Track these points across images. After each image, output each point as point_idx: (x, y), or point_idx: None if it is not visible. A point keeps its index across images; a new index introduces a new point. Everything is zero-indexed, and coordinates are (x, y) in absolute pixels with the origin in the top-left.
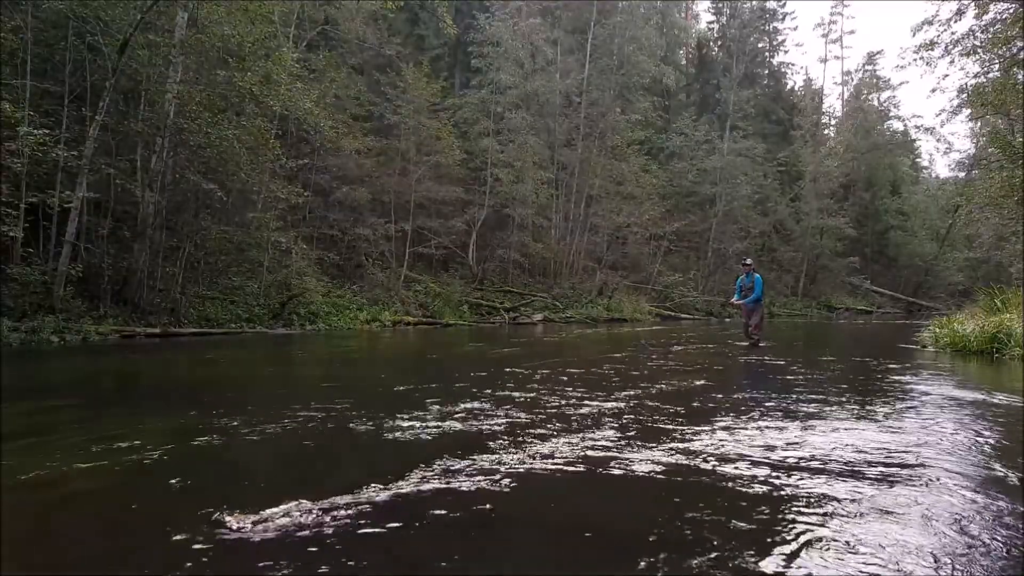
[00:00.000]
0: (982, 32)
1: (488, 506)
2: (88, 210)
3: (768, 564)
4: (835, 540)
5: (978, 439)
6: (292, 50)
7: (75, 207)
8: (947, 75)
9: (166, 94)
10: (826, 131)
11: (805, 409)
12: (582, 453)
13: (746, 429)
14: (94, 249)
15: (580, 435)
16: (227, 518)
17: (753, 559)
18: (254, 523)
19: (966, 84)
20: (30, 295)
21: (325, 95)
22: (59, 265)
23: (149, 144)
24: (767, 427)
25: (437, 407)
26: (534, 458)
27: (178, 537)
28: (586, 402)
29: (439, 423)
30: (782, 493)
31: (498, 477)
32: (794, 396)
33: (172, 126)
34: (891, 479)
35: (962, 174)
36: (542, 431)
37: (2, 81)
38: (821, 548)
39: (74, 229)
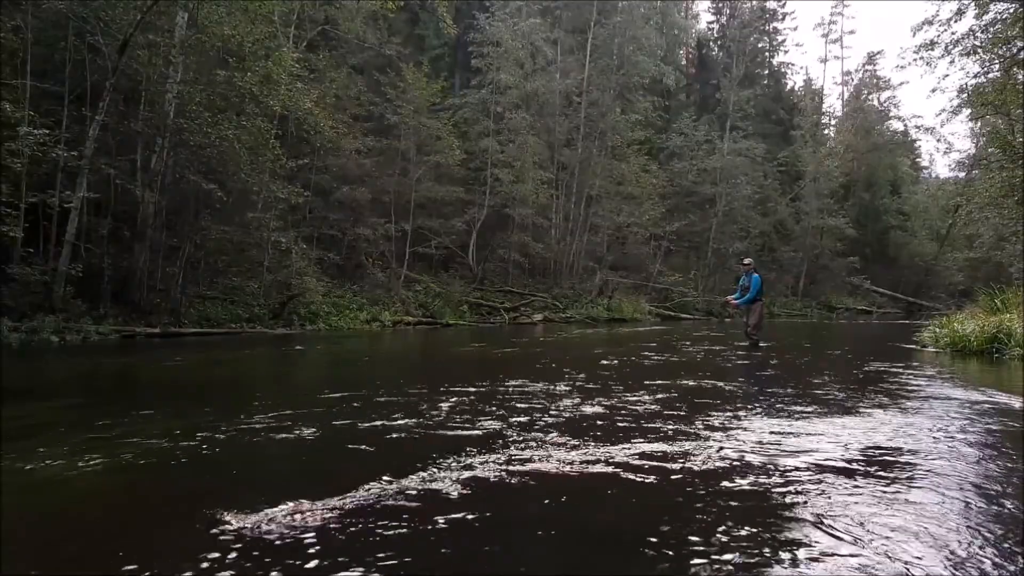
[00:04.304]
0: (982, 32)
1: (493, 506)
2: (88, 210)
3: (773, 563)
4: (840, 539)
5: (978, 438)
6: (292, 50)
7: (75, 207)
8: (947, 75)
9: (166, 94)
10: (826, 131)
11: (805, 409)
12: (588, 451)
13: (746, 428)
14: (94, 249)
15: (584, 433)
16: (227, 518)
17: (759, 559)
18: (254, 523)
19: (966, 84)
20: (30, 295)
21: (325, 95)
22: (59, 265)
23: (149, 144)
24: (767, 427)
25: (440, 407)
26: (541, 459)
27: (179, 537)
28: (590, 401)
29: (442, 423)
30: (782, 492)
31: (503, 477)
32: (794, 396)
33: (172, 126)
34: (894, 479)
35: (962, 174)
36: (547, 431)
37: (2, 81)
38: (828, 546)
39: (74, 229)
